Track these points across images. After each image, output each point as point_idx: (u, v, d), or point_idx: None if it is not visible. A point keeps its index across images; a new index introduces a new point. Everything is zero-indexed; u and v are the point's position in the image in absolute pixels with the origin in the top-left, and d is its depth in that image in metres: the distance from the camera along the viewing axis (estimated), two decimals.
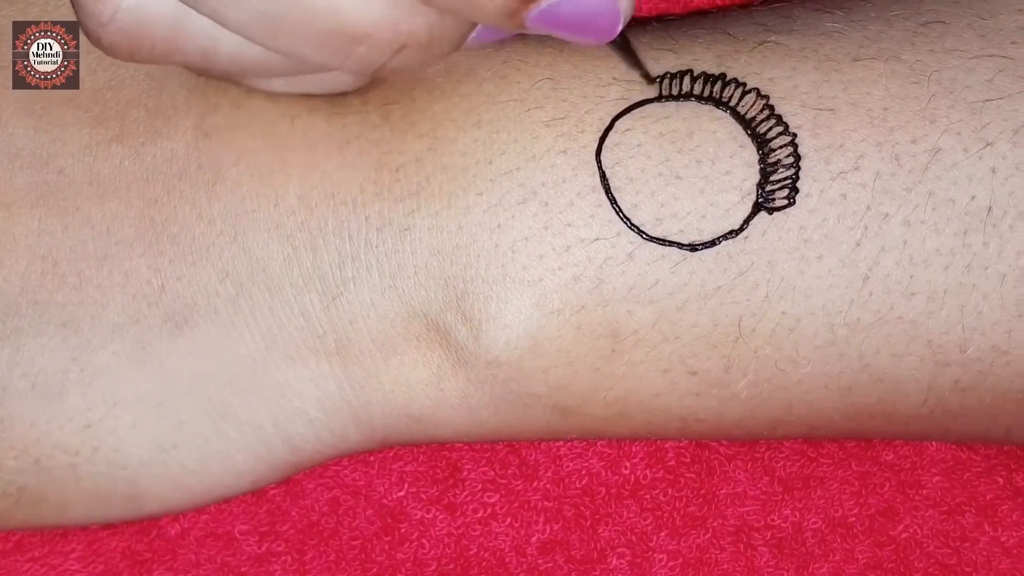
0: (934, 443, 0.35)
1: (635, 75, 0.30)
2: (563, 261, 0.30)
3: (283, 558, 0.34)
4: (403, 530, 0.34)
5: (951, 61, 0.30)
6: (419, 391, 0.32)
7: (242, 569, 0.34)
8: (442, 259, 0.30)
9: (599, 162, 0.30)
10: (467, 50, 0.31)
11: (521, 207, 0.30)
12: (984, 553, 0.34)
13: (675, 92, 0.30)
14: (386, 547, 0.34)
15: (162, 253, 0.31)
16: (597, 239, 0.30)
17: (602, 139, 0.30)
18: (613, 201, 0.30)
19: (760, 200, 0.30)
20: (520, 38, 0.32)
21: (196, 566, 0.34)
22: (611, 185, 0.30)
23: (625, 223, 0.30)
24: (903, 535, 0.34)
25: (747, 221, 0.30)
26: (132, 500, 0.32)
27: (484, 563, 0.34)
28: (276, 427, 0.32)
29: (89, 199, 0.31)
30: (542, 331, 0.30)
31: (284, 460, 0.33)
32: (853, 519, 0.34)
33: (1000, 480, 0.34)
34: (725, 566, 0.34)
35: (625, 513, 0.34)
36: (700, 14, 0.33)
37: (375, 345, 0.31)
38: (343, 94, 0.32)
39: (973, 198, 0.29)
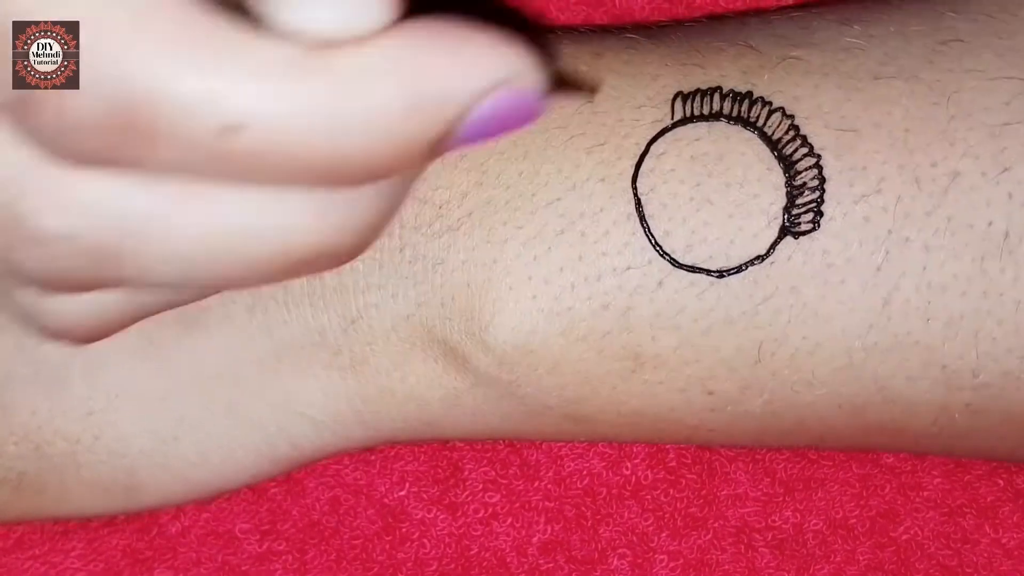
0: None
1: (670, 92, 0.30)
2: (594, 290, 0.30)
3: (284, 557, 0.34)
4: (404, 530, 0.34)
5: (969, 82, 0.30)
6: (433, 405, 0.32)
7: (243, 568, 0.34)
8: (472, 291, 0.30)
9: (635, 189, 0.30)
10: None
11: (559, 238, 0.30)
12: (985, 555, 0.34)
13: (705, 111, 0.30)
14: (387, 547, 0.34)
15: None
16: (629, 268, 0.30)
17: (638, 166, 0.30)
18: (647, 229, 0.30)
19: (786, 224, 0.30)
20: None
21: (197, 564, 0.34)
22: (645, 212, 0.30)
23: (657, 251, 0.30)
24: (904, 537, 0.34)
25: (773, 246, 0.30)
26: (132, 491, 0.32)
27: (485, 563, 0.34)
28: (279, 428, 0.32)
29: None
30: (564, 355, 0.30)
31: (286, 456, 0.33)
32: (854, 521, 0.34)
33: (1001, 482, 0.34)
34: (726, 567, 0.34)
35: (626, 514, 0.34)
36: (718, 21, 0.33)
37: (392, 365, 0.31)
38: None
39: (991, 224, 0.29)
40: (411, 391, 0.32)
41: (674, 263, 0.30)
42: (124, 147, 0.22)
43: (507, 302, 0.30)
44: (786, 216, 0.30)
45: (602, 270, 0.30)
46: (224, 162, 0.22)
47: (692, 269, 0.30)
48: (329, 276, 0.31)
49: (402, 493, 0.34)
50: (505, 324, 0.30)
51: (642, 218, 0.30)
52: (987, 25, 0.31)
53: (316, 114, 0.22)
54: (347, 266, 0.31)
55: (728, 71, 0.31)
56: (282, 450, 0.32)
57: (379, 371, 0.32)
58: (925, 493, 0.34)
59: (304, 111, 0.22)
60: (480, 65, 0.22)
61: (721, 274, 0.30)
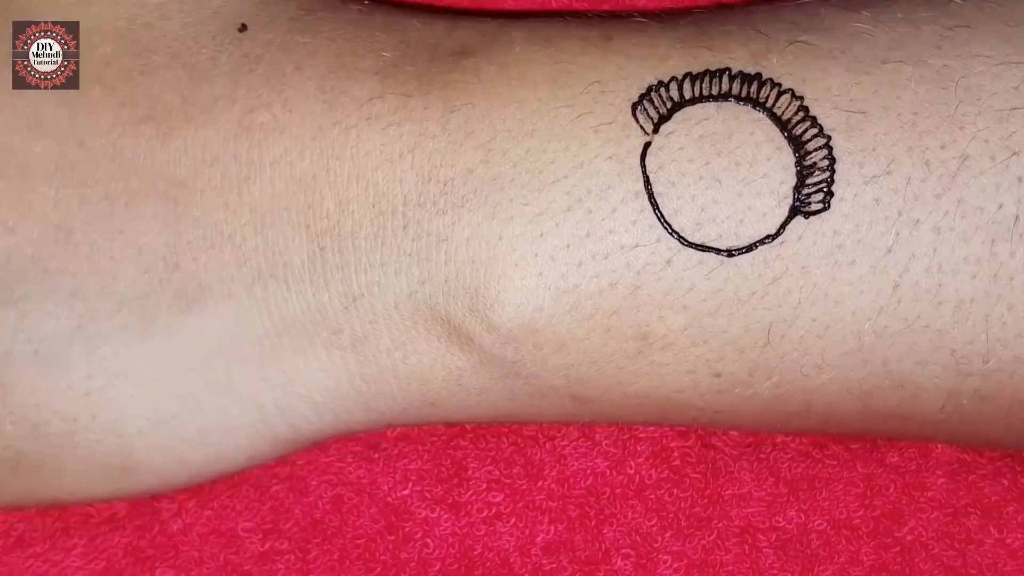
0: (940, 445, 0.35)
1: (678, 75, 0.30)
2: (601, 268, 0.30)
3: (287, 556, 0.34)
4: (407, 529, 0.34)
5: (977, 67, 0.30)
6: (435, 384, 0.32)
7: (245, 567, 0.34)
8: (476, 268, 0.30)
9: (643, 167, 0.30)
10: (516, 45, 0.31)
11: (566, 215, 0.30)
12: (989, 555, 0.34)
13: (714, 91, 0.30)
14: (390, 546, 0.34)
15: (180, 233, 0.31)
16: (637, 245, 0.30)
17: (647, 144, 0.30)
18: (656, 207, 0.30)
19: (796, 204, 0.29)
20: (564, 32, 0.32)
21: (199, 563, 0.34)
22: (654, 190, 0.30)
23: (666, 229, 0.30)
24: (908, 537, 0.34)
25: (783, 225, 0.30)
26: (129, 472, 0.32)
27: (488, 563, 0.34)
28: (279, 408, 0.32)
29: (110, 174, 0.31)
30: (571, 334, 0.30)
31: (284, 437, 0.33)
32: (858, 521, 0.34)
33: (1005, 482, 0.34)
34: (730, 567, 0.34)
35: (630, 514, 0.34)
36: (726, 8, 0.33)
37: (394, 344, 0.31)
38: (407, 97, 0.31)
39: (1000, 207, 0.29)
40: (413, 371, 0.31)
41: (683, 241, 0.30)
42: None
43: (512, 279, 0.30)
44: (796, 196, 0.29)
45: (609, 248, 0.30)
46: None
47: (701, 248, 0.30)
48: (331, 253, 0.31)
49: (405, 492, 0.34)
50: (510, 302, 0.30)
51: (651, 196, 0.30)
52: (994, 11, 0.31)
53: None
54: (349, 243, 0.31)
55: (737, 54, 0.31)
56: (281, 431, 0.32)
57: (380, 350, 0.31)
58: (929, 493, 0.34)
59: None
60: None
61: (731, 253, 0.30)
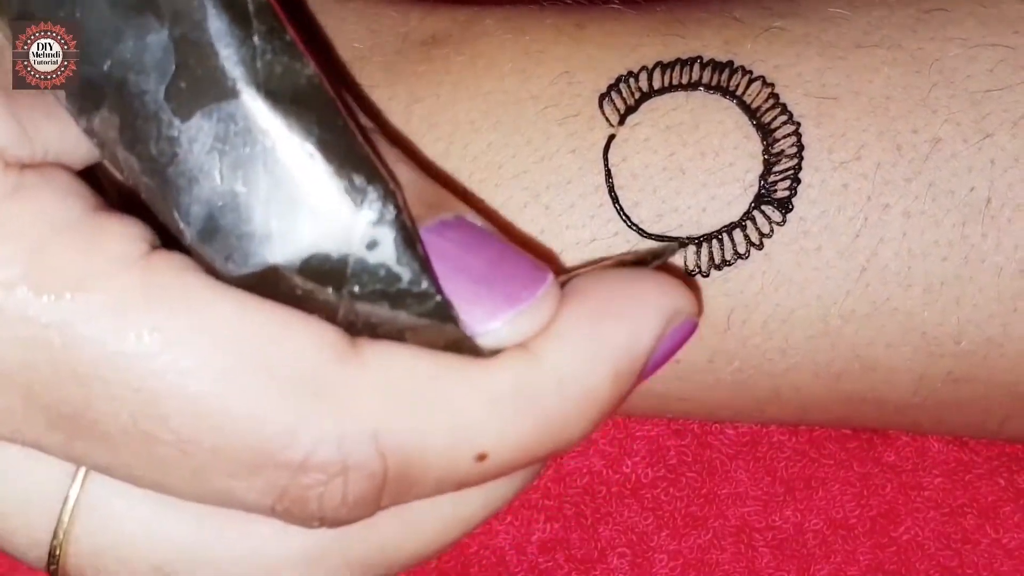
0: (936, 444, 0.35)
1: (649, 63, 0.30)
2: (556, 264, 0.30)
3: None
4: None
5: (952, 50, 0.30)
6: None
7: None
8: None
9: (605, 160, 0.30)
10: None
11: (521, 212, 0.30)
12: (985, 555, 0.34)
13: (684, 80, 0.30)
14: None
15: None
16: (594, 240, 0.30)
17: (610, 137, 0.30)
18: (615, 200, 0.30)
19: (762, 192, 0.30)
20: (537, 21, 0.32)
21: None
22: (615, 183, 0.30)
23: (625, 222, 0.30)
24: (904, 536, 0.34)
25: (747, 214, 0.30)
26: None
27: (484, 561, 0.34)
28: None
29: None
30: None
31: None
32: (854, 520, 0.34)
33: (1002, 482, 0.34)
34: (726, 567, 0.34)
35: (626, 512, 0.34)
36: None
37: None
38: (371, 88, 0.31)
39: (972, 189, 0.29)
40: None
41: (643, 233, 0.30)
42: None
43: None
44: (762, 183, 0.30)
45: (565, 244, 0.30)
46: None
47: (660, 238, 0.30)
48: None
49: None
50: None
51: (611, 189, 0.30)
52: None
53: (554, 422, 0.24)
54: None
55: (710, 41, 0.31)
56: None
57: None
58: (926, 493, 0.34)
59: (541, 426, 0.24)
60: (654, 314, 0.25)
61: (687, 241, 0.30)
